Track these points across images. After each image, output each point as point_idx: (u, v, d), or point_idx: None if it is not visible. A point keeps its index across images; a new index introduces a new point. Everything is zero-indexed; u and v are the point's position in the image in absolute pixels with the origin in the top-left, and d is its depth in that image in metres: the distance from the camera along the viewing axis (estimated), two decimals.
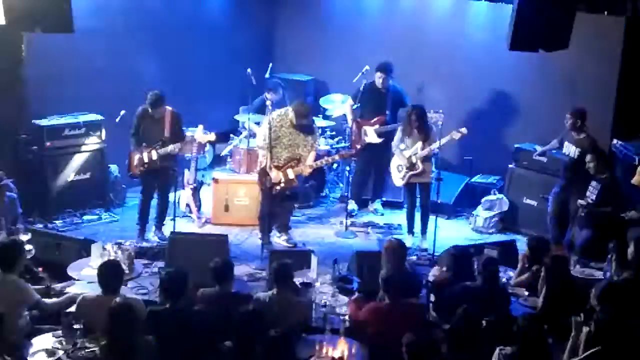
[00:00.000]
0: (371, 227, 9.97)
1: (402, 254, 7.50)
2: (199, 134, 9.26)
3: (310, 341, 6.38)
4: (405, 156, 9.28)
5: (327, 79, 12.00)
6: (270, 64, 11.66)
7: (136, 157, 8.97)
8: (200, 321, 6.21)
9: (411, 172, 9.28)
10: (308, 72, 12.02)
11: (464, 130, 9.24)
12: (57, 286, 7.23)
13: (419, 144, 9.20)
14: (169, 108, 8.98)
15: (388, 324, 6.40)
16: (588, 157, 8.79)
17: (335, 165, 10.97)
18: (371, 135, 9.95)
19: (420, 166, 9.21)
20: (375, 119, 9.99)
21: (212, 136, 9.41)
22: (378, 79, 9.97)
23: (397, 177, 9.46)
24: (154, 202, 9.25)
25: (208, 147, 10.89)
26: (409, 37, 11.26)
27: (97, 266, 6.76)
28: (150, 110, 8.86)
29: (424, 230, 9.40)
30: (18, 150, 9.50)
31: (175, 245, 8.28)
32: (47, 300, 6.78)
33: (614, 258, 7.65)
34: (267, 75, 11.15)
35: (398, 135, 9.48)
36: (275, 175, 8.94)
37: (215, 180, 9.84)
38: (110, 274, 6.48)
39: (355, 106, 10.13)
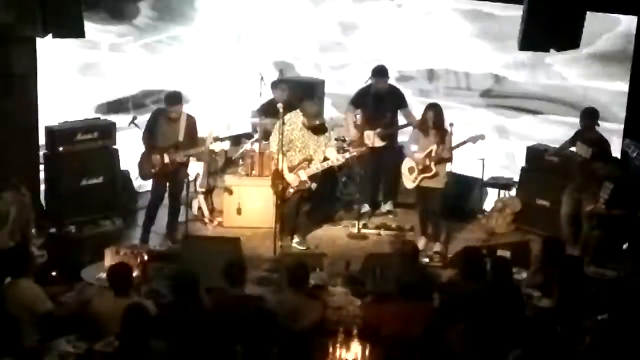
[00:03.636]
0: (383, 229, 9.94)
1: (415, 256, 7.50)
2: (212, 141, 9.27)
3: (323, 344, 6.38)
4: (418, 157, 9.21)
5: None
6: (281, 68, 11.69)
7: (149, 159, 9.00)
8: (212, 324, 6.21)
9: (424, 175, 9.20)
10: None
11: (481, 135, 9.19)
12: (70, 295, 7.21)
13: (434, 146, 9.12)
14: (185, 111, 9.01)
15: (401, 326, 6.38)
16: (596, 165, 8.76)
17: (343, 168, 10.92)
18: (374, 139, 9.90)
19: (433, 169, 9.13)
20: (377, 123, 9.94)
21: (225, 144, 9.44)
22: (375, 83, 9.95)
23: (409, 179, 9.37)
24: (164, 205, 9.28)
25: (220, 151, 10.90)
26: (415, 38, 11.28)
27: None
28: (167, 108, 8.88)
29: (436, 237, 9.34)
30: (30, 155, 9.53)
31: (187, 248, 8.32)
32: (58, 307, 6.78)
33: (629, 258, 7.62)
34: (273, 80, 11.15)
35: (412, 135, 9.41)
36: (289, 178, 8.95)
37: (229, 192, 9.84)
38: (119, 276, 6.49)
39: (356, 111, 10.12)
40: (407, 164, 9.35)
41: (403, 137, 10.34)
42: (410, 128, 9.94)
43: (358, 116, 10.12)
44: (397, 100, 10.07)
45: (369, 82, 10.07)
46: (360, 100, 10.09)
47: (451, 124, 9.10)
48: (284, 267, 7.43)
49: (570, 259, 7.41)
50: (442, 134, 9.08)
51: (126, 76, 10.57)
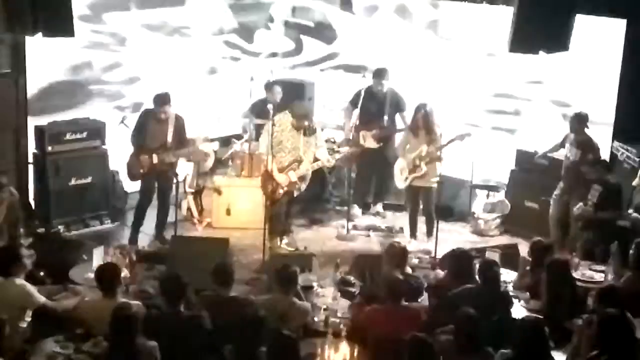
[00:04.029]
0: (373, 231, 9.95)
1: (404, 257, 7.51)
2: (202, 143, 9.26)
3: (312, 345, 6.38)
4: (408, 158, 9.25)
5: None
6: (272, 69, 11.66)
7: (137, 160, 8.98)
8: (201, 325, 6.20)
9: (414, 174, 9.24)
10: None
11: (467, 133, 9.23)
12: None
13: (424, 146, 9.16)
14: (174, 112, 9.00)
15: (389, 328, 6.39)
16: (584, 168, 8.80)
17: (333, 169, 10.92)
18: (369, 140, 9.95)
19: (424, 169, 9.17)
20: (374, 124, 9.97)
21: (215, 145, 9.42)
22: (375, 85, 9.98)
23: (400, 179, 9.43)
24: (154, 206, 9.27)
25: (209, 151, 10.88)
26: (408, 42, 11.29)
27: None
28: (155, 109, 8.87)
29: (429, 233, 9.36)
30: (19, 154, 9.51)
31: (176, 249, 8.30)
32: (53, 303, 6.77)
33: (615, 261, 7.65)
34: (270, 79, 11.15)
35: (403, 136, 9.46)
36: (279, 179, 8.95)
37: (218, 192, 9.82)
38: (107, 277, 6.48)
39: (352, 109, 10.15)
40: (398, 164, 9.42)
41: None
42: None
43: (355, 116, 10.14)
44: (396, 103, 10.09)
45: (364, 77, 10.07)
46: (359, 100, 10.11)
47: (438, 126, 9.15)
48: (273, 268, 7.42)
49: (558, 261, 7.42)
50: (432, 135, 9.13)
51: None
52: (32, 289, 6.66)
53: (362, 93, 10.04)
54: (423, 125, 9.13)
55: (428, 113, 9.15)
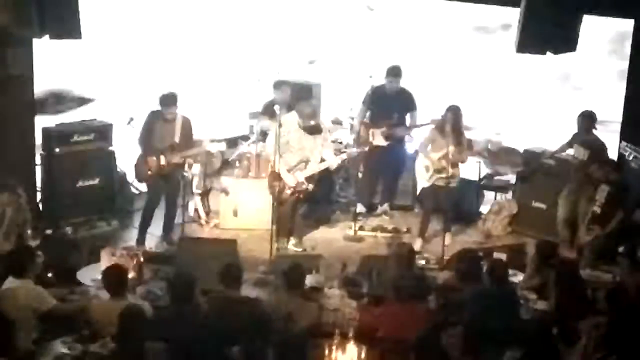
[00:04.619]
0: (380, 231, 9.93)
1: (411, 257, 7.51)
2: (209, 143, 9.26)
3: (319, 346, 6.37)
4: (433, 157, 9.23)
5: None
6: (279, 70, 11.67)
7: (145, 161, 8.99)
8: (208, 326, 6.21)
9: (439, 175, 9.22)
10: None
11: (496, 142, 9.24)
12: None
13: (451, 148, 9.09)
14: (180, 114, 9.01)
15: (397, 328, 6.39)
16: (592, 168, 8.79)
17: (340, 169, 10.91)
18: (378, 138, 9.96)
19: (450, 170, 9.12)
20: (383, 122, 9.98)
21: (222, 146, 9.43)
22: (388, 82, 9.98)
23: (423, 177, 9.36)
24: (161, 207, 9.28)
25: (216, 152, 10.89)
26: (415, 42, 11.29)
27: None
28: (162, 109, 8.87)
29: (447, 229, 9.39)
30: (27, 156, 9.52)
31: (184, 250, 8.31)
32: (61, 304, 6.79)
33: (624, 261, 7.64)
34: (276, 80, 11.15)
35: (428, 134, 9.43)
36: (286, 179, 8.95)
37: (225, 193, 9.84)
38: (115, 278, 6.49)
39: (365, 109, 10.16)
40: (422, 162, 9.36)
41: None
42: (418, 129, 9.96)
43: (364, 113, 10.16)
44: (406, 102, 10.08)
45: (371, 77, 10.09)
46: (370, 98, 10.10)
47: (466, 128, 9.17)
48: (280, 269, 7.43)
49: (566, 262, 7.42)
50: (459, 137, 9.10)
51: None
52: (43, 290, 6.67)
53: (374, 91, 10.04)
54: (452, 125, 9.07)
55: (458, 114, 9.11)
